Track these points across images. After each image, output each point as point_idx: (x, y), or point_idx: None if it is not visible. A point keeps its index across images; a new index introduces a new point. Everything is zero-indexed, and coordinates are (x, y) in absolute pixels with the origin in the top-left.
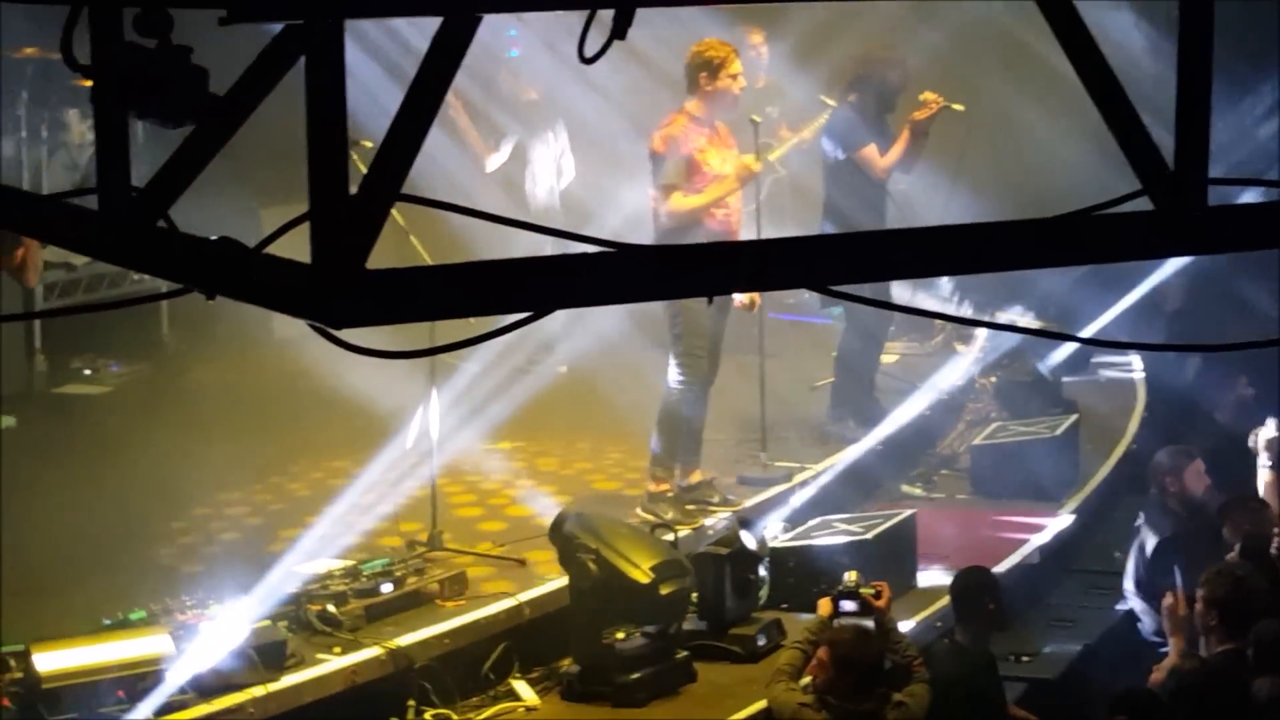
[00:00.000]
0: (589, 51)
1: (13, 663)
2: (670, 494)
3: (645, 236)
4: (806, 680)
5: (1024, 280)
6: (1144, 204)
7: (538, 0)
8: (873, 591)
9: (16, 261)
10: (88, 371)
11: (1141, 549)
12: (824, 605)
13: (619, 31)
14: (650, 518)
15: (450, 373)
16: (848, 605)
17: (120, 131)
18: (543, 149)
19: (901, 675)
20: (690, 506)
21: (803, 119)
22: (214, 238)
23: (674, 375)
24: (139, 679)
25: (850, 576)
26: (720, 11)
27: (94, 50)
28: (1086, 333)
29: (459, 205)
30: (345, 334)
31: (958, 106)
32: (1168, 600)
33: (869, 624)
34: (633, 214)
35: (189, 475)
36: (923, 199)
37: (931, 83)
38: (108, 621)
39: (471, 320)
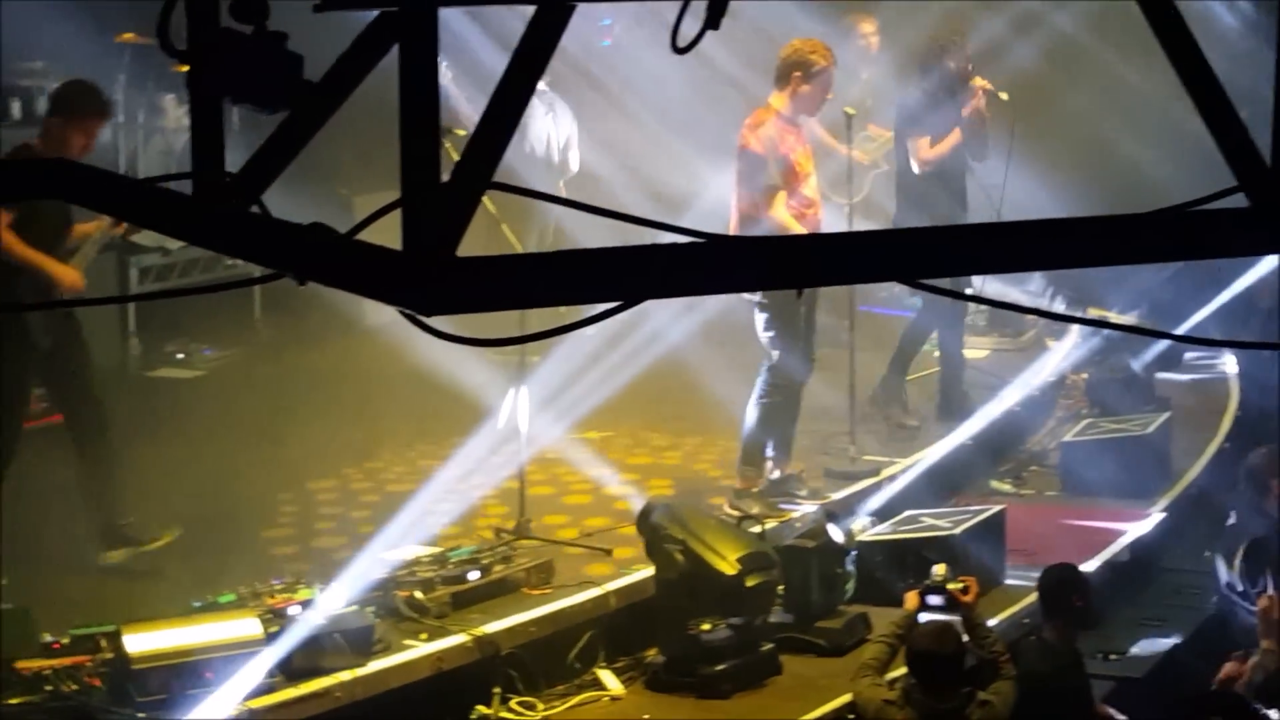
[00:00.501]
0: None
1: (103, 643)
2: (757, 490)
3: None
4: (892, 675)
5: (1117, 276)
6: (1240, 200)
7: None
8: (960, 586)
9: (70, 242)
10: (180, 356)
11: (1233, 549)
12: (911, 599)
13: (713, 21)
14: (736, 514)
15: (540, 361)
16: (934, 599)
17: (215, 117)
18: (537, 126)
19: (989, 671)
20: (778, 500)
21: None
22: (306, 223)
23: (764, 373)
24: (227, 661)
25: (939, 570)
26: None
27: (190, 36)
28: (1180, 330)
29: (550, 194)
30: (435, 321)
31: (1003, 95)
32: (1263, 603)
33: (954, 619)
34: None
35: (279, 460)
36: (1012, 193)
37: (1032, 75)
38: (197, 604)
39: (562, 309)
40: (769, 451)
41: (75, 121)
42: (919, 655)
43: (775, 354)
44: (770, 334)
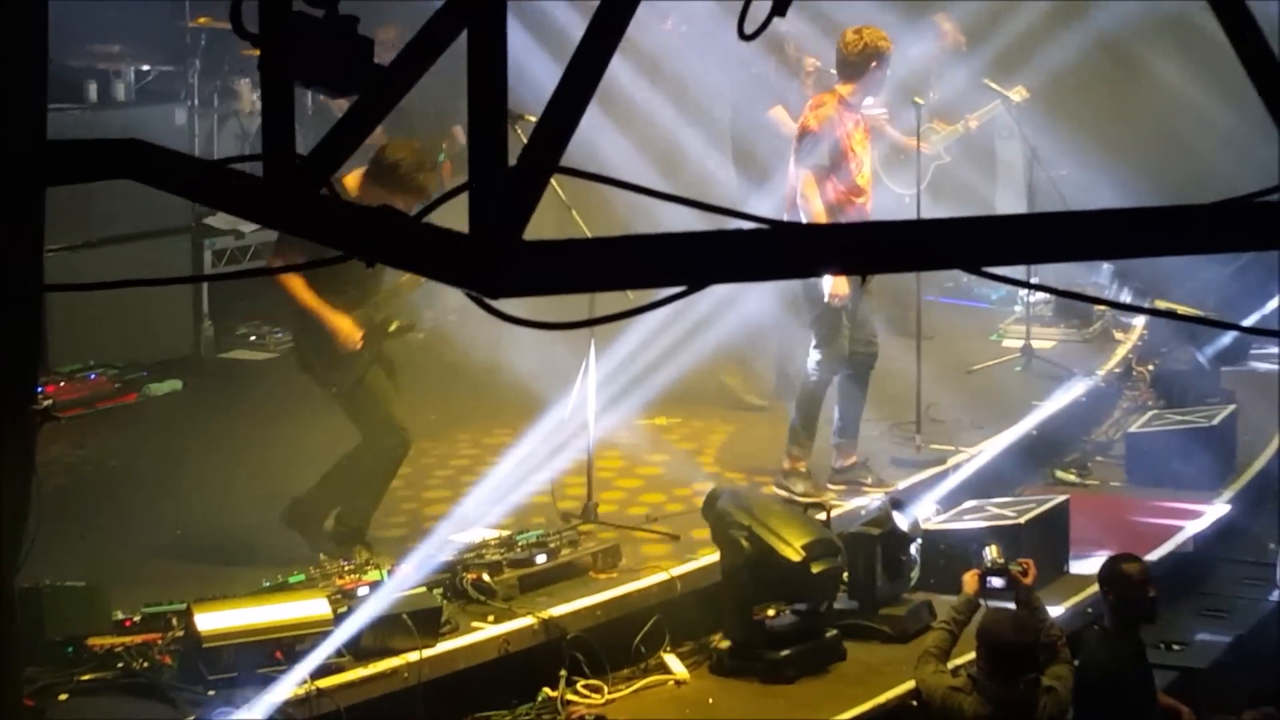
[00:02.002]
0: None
1: (175, 621)
2: (803, 470)
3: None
4: (956, 663)
5: (1185, 269)
6: None
7: None
8: (1020, 569)
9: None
10: (253, 338)
11: None
12: (970, 581)
13: (780, 8)
14: (782, 493)
15: (610, 346)
16: (995, 582)
17: (286, 100)
18: None
19: (1047, 654)
20: (840, 487)
21: (965, 106)
22: (374, 205)
23: (812, 356)
24: (296, 641)
25: (992, 551)
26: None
27: (262, 20)
28: (1247, 322)
29: (617, 179)
30: (501, 304)
31: (1017, 96)
32: None
33: (1011, 606)
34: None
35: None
36: (1078, 181)
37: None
38: (268, 584)
39: (630, 294)
40: (834, 439)
41: (398, 194)
42: (999, 645)
43: (822, 336)
44: (818, 313)
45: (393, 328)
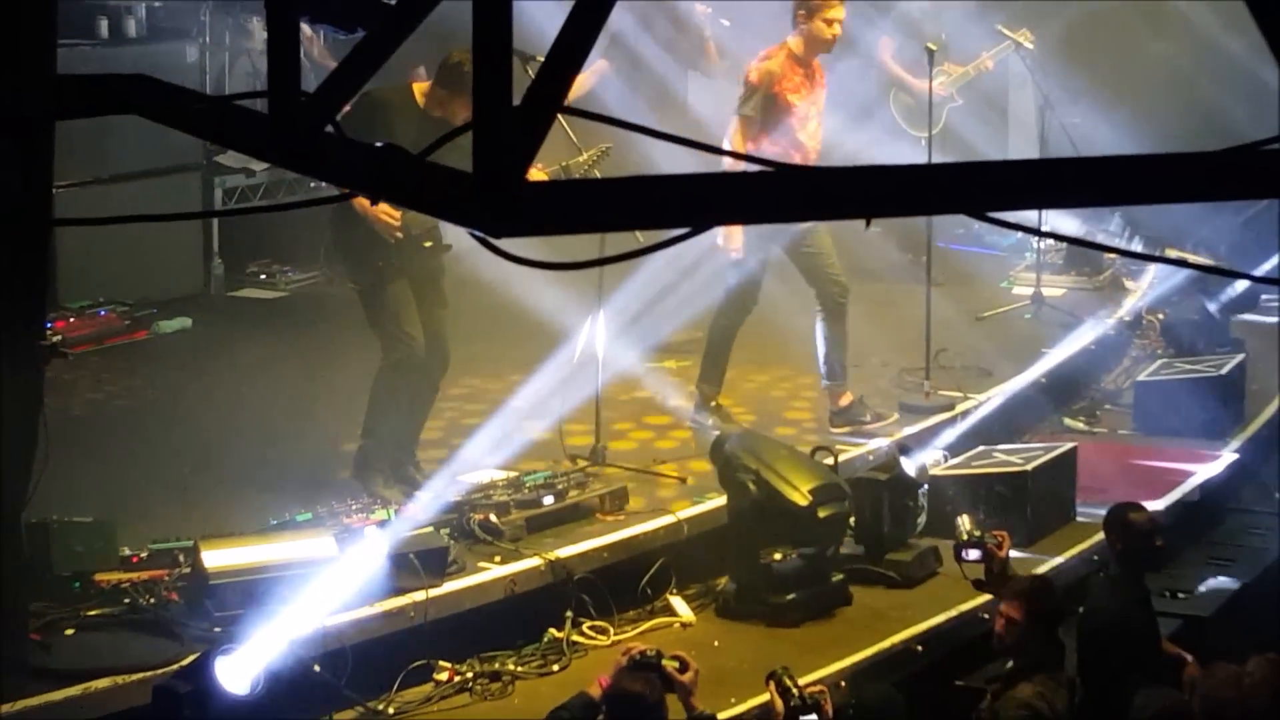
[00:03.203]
0: None
1: (181, 558)
2: (713, 405)
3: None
4: None
5: (1195, 217)
6: None
7: None
8: (995, 540)
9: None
10: (263, 276)
11: None
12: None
13: None
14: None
15: (619, 288)
16: (972, 554)
17: (292, 37)
18: None
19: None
20: (843, 428)
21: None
22: (379, 144)
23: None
24: (303, 579)
25: (965, 523)
26: None
27: None
28: (1258, 272)
29: (622, 120)
30: (506, 244)
31: (1027, 42)
32: None
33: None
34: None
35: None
36: (1090, 130)
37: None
38: (274, 521)
39: (640, 236)
40: (823, 383)
41: (464, 95)
42: (1037, 611)
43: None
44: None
45: (428, 243)
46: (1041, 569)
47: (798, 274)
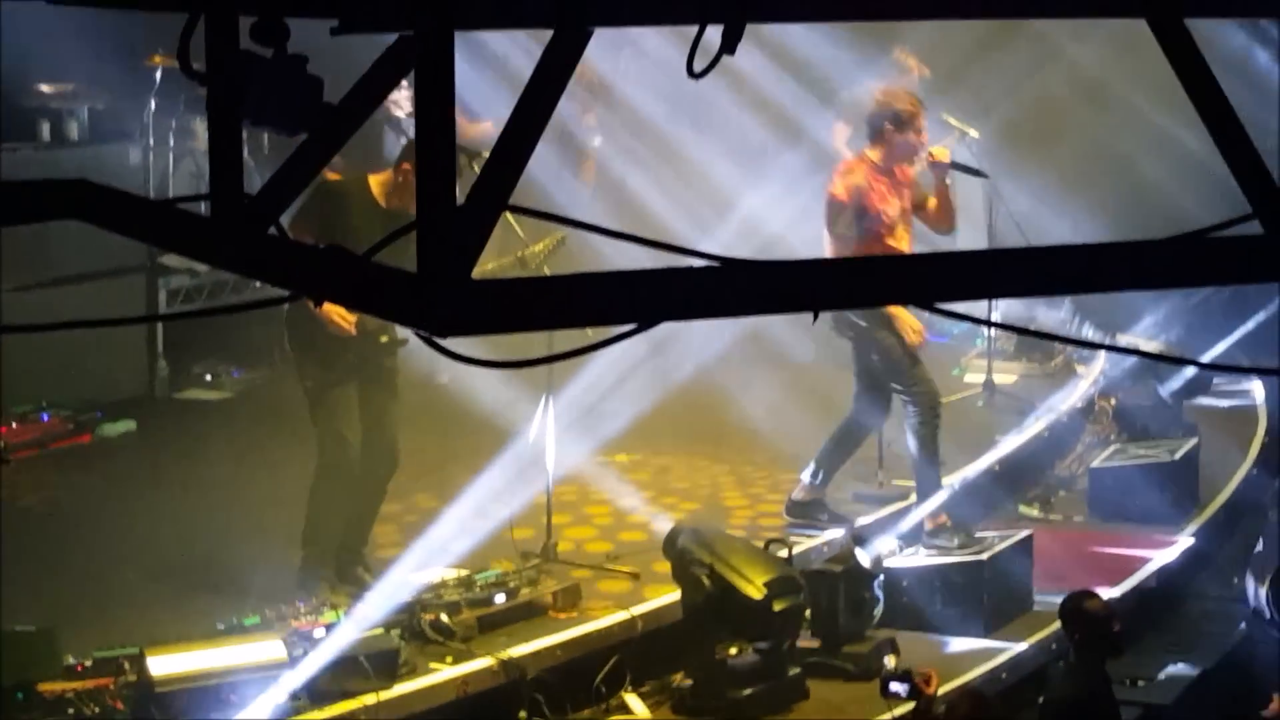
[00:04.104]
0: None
1: (127, 665)
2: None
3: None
4: None
5: (1145, 303)
6: (1254, 227)
7: (648, 15)
8: (923, 677)
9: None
10: (209, 377)
11: (1261, 576)
12: None
13: (728, 46)
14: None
15: (568, 382)
16: (898, 688)
17: (234, 139)
18: None
19: None
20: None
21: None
22: (322, 245)
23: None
24: (251, 684)
25: (890, 661)
26: (858, 30)
27: (209, 59)
28: (1207, 357)
29: (567, 218)
30: (452, 343)
31: (973, 132)
32: None
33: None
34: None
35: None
36: (1039, 219)
37: (1050, 104)
38: (221, 626)
39: (589, 331)
40: (810, 478)
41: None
42: None
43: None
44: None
45: (384, 338)
46: (1000, 659)
47: (741, 364)
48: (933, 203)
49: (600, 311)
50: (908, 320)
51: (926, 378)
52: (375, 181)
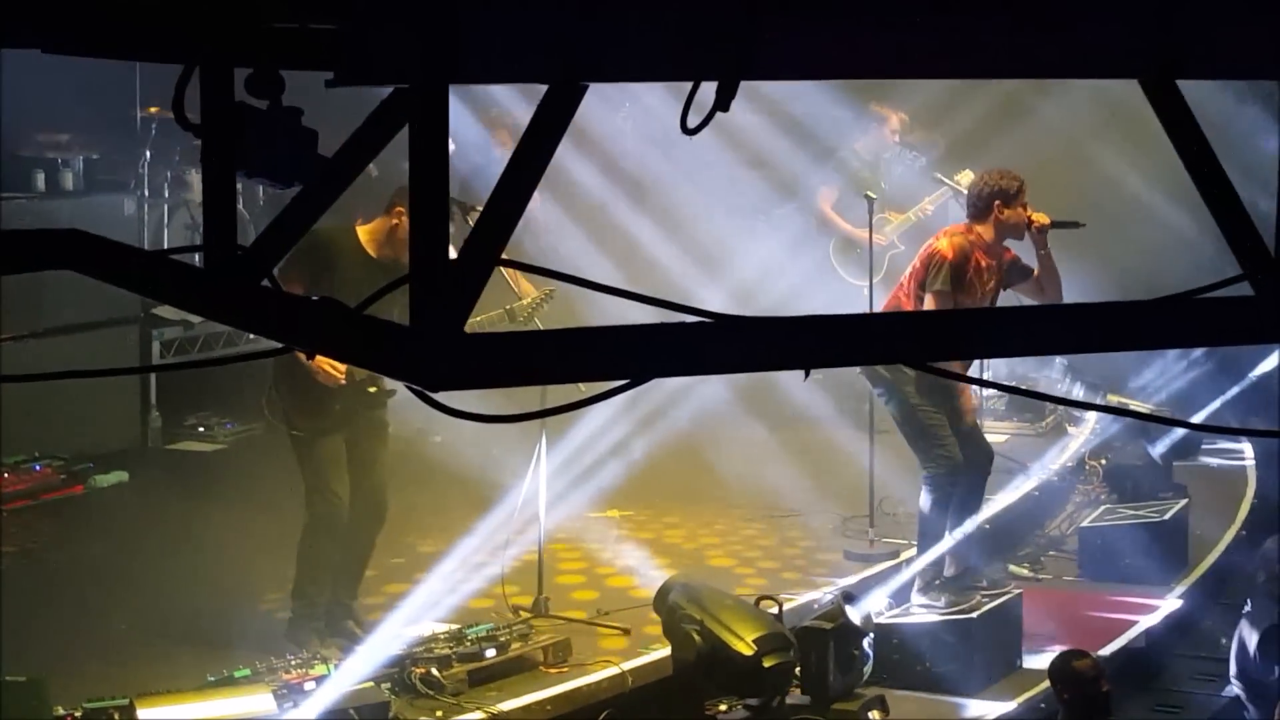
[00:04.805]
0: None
1: (117, 716)
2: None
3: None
4: None
5: (1136, 363)
6: (1245, 289)
7: (642, 71)
8: None
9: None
10: (201, 429)
11: (1249, 637)
12: None
13: (722, 104)
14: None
15: (561, 437)
16: None
17: (228, 191)
18: None
19: None
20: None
21: (916, 198)
22: (313, 296)
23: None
24: None
25: (876, 716)
26: (841, 87)
27: (204, 110)
28: (1197, 418)
29: (559, 272)
30: (444, 397)
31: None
32: None
33: None
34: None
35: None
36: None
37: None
38: (212, 678)
39: (582, 386)
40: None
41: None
42: None
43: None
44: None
45: (373, 389)
46: (988, 718)
47: (727, 418)
48: (1035, 272)
49: (592, 366)
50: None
51: (950, 444)
52: (364, 231)
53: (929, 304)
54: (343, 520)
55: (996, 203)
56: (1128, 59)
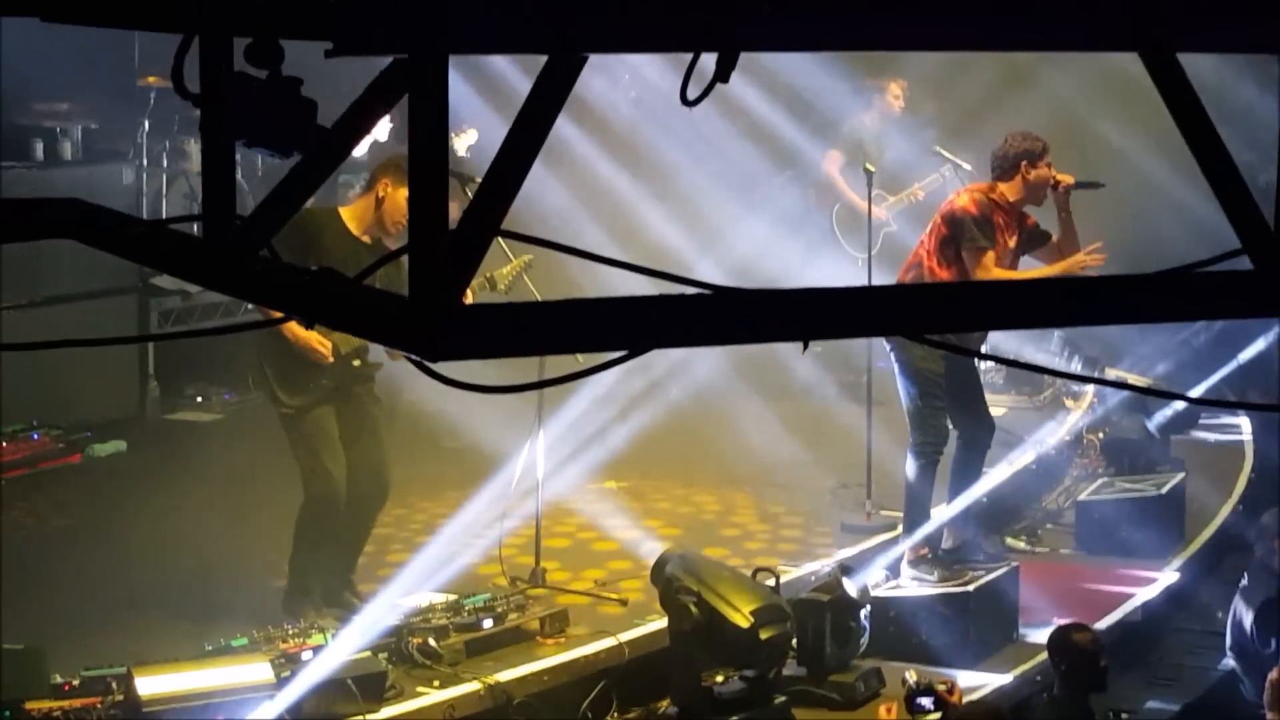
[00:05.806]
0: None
1: (114, 685)
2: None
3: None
4: None
5: (1134, 337)
6: (1244, 263)
7: (641, 42)
8: (945, 686)
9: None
10: (200, 399)
11: (1245, 610)
12: (890, 711)
13: (722, 75)
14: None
15: (559, 408)
16: (925, 702)
17: (227, 160)
18: None
19: None
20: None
21: (914, 173)
22: (314, 268)
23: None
24: (238, 705)
25: (911, 675)
26: (839, 59)
27: (203, 80)
28: (1195, 392)
29: (559, 243)
30: (442, 367)
31: (966, 165)
32: (1273, 674)
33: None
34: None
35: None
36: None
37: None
38: (210, 647)
39: (580, 357)
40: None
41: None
42: None
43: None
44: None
45: (357, 362)
46: (985, 690)
47: (725, 391)
48: (1055, 236)
49: (591, 337)
50: None
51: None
52: (347, 212)
53: (981, 263)
54: (341, 499)
55: (1024, 163)
56: (1114, 32)
